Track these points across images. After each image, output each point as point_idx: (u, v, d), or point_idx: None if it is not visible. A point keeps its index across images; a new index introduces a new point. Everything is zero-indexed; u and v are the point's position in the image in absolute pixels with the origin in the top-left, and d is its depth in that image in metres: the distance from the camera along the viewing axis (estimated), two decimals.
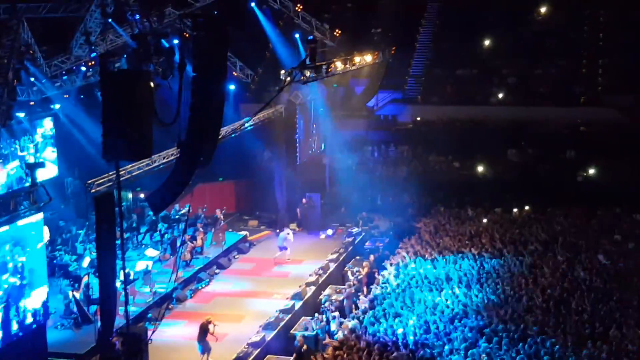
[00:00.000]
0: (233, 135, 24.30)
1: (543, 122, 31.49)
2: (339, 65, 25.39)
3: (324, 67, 23.79)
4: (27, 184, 17.51)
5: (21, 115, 24.01)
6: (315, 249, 25.68)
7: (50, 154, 26.08)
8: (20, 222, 15.42)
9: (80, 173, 26.81)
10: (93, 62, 25.64)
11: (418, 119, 33.72)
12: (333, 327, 18.82)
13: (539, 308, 18.48)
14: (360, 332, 17.71)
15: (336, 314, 19.32)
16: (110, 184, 20.42)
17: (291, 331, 18.56)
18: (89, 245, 22.73)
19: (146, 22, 22.99)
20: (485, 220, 26.65)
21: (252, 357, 17.19)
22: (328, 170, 29.47)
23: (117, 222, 13.36)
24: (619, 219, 26.22)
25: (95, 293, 18.85)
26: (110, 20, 24.26)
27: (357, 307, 19.99)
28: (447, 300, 18.97)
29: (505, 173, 30.35)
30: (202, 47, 11.86)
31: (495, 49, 35.20)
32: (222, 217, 26.51)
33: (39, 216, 16.06)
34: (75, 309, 18.93)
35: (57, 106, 26.58)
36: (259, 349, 17.49)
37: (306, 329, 18.48)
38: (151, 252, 23.31)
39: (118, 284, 15.73)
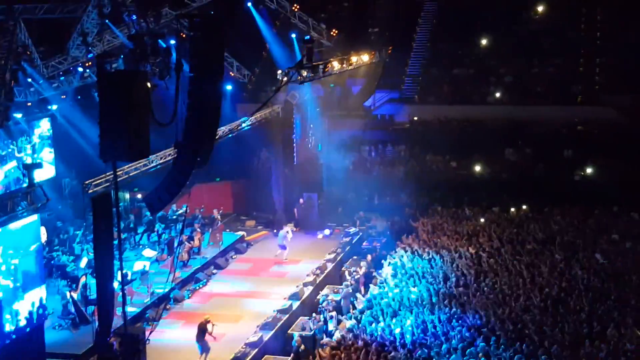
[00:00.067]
0: (230, 136, 24.30)
1: (540, 121, 31.49)
2: (335, 65, 25.41)
3: (320, 67, 23.79)
4: (25, 185, 17.51)
5: (18, 116, 23.98)
6: (313, 249, 25.68)
7: (47, 154, 26.06)
8: (12, 225, 15.37)
9: (78, 174, 26.78)
10: (90, 63, 25.62)
11: (415, 118, 33.72)
12: (330, 327, 18.84)
13: (536, 307, 18.50)
14: (358, 332, 17.72)
15: (334, 313, 19.33)
16: (107, 184, 20.40)
17: (289, 331, 18.56)
18: (87, 246, 22.72)
19: (143, 23, 22.97)
20: (482, 220, 26.68)
21: (249, 357, 17.18)
22: (325, 170, 29.46)
23: (115, 222, 13.36)
24: (616, 218, 26.25)
25: (92, 293, 18.81)
26: (107, 21, 24.24)
27: (354, 307, 20.00)
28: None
29: (503, 172, 30.37)
30: (199, 47, 11.87)
31: (492, 49, 35.21)
32: (219, 217, 26.51)
33: (33, 218, 16.05)
34: (72, 310, 18.91)
35: (54, 107, 26.55)
36: (256, 349, 17.49)
37: (304, 328, 18.48)
38: (149, 252, 23.30)
39: (115, 285, 15.72)
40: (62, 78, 26.18)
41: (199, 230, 24.68)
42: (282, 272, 23.61)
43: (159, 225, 25.21)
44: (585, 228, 25.17)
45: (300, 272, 23.18)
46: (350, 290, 20.68)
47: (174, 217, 25.80)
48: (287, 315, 19.37)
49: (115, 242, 13.87)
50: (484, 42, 35.49)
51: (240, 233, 26.98)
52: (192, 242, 23.85)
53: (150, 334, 17.31)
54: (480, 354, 15.95)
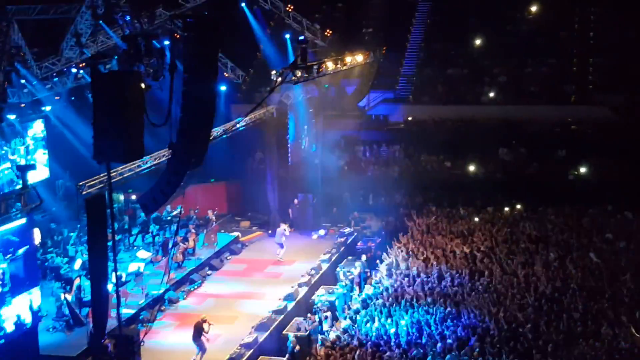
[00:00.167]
0: (225, 136, 24.26)
1: (534, 121, 31.55)
2: (330, 65, 25.40)
3: (315, 67, 23.79)
4: (19, 187, 17.44)
5: (12, 117, 23.90)
6: (308, 249, 25.68)
7: (41, 156, 25.99)
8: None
9: (72, 175, 26.73)
10: (84, 64, 25.57)
11: (409, 118, 33.74)
12: (325, 327, 18.84)
13: (531, 306, 18.54)
14: (352, 332, 17.72)
15: (328, 314, 19.33)
16: (101, 185, 20.33)
17: (284, 332, 18.56)
18: (81, 248, 22.67)
19: (137, 23, 22.95)
20: (476, 219, 26.72)
21: (244, 358, 17.18)
22: (320, 171, 29.46)
23: (109, 223, 13.33)
24: (610, 217, 26.31)
25: (87, 295, 18.81)
26: (100, 21, 24.19)
27: (349, 307, 20.00)
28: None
29: (497, 172, 30.41)
30: (193, 48, 11.84)
31: (485, 49, 35.25)
32: (214, 218, 26.49)
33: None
34: (67, 312, 18.88)
35: (48, 108, 26.49)
36: (251, 350, 17.49)
37: (299, 329, 18.49)
38: (143, 253, 23.26)
39: (110, 286, 15.69)
40: (55, 79, 26.12)
41: (193, 231, 24.65)
42: (277, 273, 23.60)
43: (154, 227, 25.17)
44: (579, 227, 25.22)
45: (295, 272, 23.18)
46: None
47: (169, 218, 25.76)
48: (282, 316, 19.37)
49: (110, 243, 13.85)
50: (477, 42, 35.54)
51: (235, 234, 26.97)
52: (186, 243, 23.83)
53: (144, 335, 17.30)
54: (475, 353, 15.98)
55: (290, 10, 30.23)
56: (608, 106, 31.04)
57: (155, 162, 22.05)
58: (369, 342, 16.90)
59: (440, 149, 31.42)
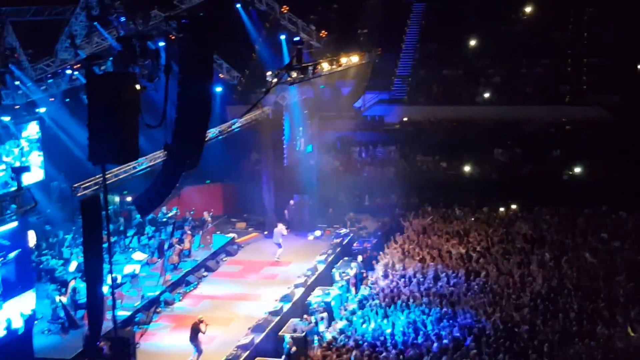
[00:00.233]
0: (220, 138, 24.23)
1: (529, 121, 31.65)
2: (325, 66, 25.39)
3: (310, 68, 23.79)
4: (13, 189, 17.38)
5: (6, 119, 23.79)
6: (304, 250, 25.67)
7: (36, 158, 25.87)
8: None
9: (67, 177, 26.65)
10: (79, 65, 25.49)
11: (405, 119, 33.79)
12: (322, 328, 18.83)
13: (526, 306, 18.57)
14: (349, 333, 17.72)
15: (324, 315, 19.32)
16: (96, 187, 20.29)
17: (280, 333, 18.53)
18: (76, 250, 22.61)
19: (132, 25, 22.89)
20: (472, 219, 26.76)
21: (241, 359, 17.14)
22: (315, 172, 29.45)
23: (104, 225, 13.29)
24: (605, 217, 26.40)
25: (82, 297, 18.73)
26: (95, 23, 24.11)
27: (346, 308, 20.00)
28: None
29: (492, 172, 30.49)
30: (188, 49, 11.83)
31: (480, 49, 35.34)
32: (209, 219, 26.44)
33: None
34: (62, 314, 18.82)
35: (42, 110, 26.36)
36: (248, 351, 17.46)
37: (295, 330, 18.46)
38: (139, 255, 23.21)
39: (105, 288, 15.64)
40: (50, 81, 26.01)
41: (189, 232, 24.62)
42: (273, 274, 23.59)
43: (149, 228, 25.13)
44: (575, 227, 25.30)
45: (291, 273, 23.16)
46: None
47: (164, 219, 25.71)
48: (279, 317, 19.34)
49: (105, 245, 13.80)
50: (472, 43, 35.63)
51: (231, 235, 26.94)
52: (182, 244, 23.79)
53: (140, 337, 17.29)
54: (471, 353, 15.99)
55: (285, 11, 30.20)
56: (602, 106, 31.14)
57: (151, 164, 22.01)
58: (365, 343, 16.91)
59: (435, 149, 31.49)
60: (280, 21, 30.24)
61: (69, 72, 25.79)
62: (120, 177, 21.53)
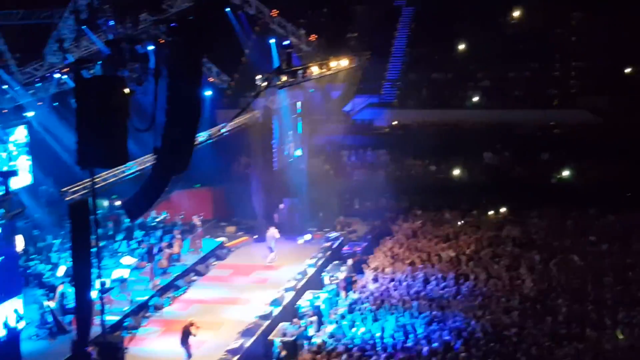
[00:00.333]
0: (210, 141, 24.18)
1: (518, 124, 31.81)
2: (314, 69, 25.43)
3: (299, 72, 23.81)
4: (1, 193, 17.27)
5: None
6: (294, 254, 25.62)
7: (24, 162, 25.76)
8: None
9: (55, 181, 26.49)
10: (67, 69, 25.38)
11: (394, 123, 33.85)
12: (311, 332, 18.81)
13: (515, 309, 18.63)
14: (338, 337, 17.71)
15: (314, 319, 19.30)
16: (85, 191, 20.13)
17: (270, 337, 18.49)
18: (64, 254, 22.46)
19: (120, 28, 22.83)
20: (461, 223, 26.82)
21: None
22: (305, 175, 29.44)
23: (93, 230, 13.25)
24: (593, 220, 26.54)
25: (70, 302, 18.63)
26: (84, 27, 24.04)
27: (335, 312, 19.98)
28: None
29: (481, 175, 30.59)
30: (177, 52, 11.83)
31: (470, 53, 35.48)
32: (199, 223, 26.36)
33: None
34: (50, 319, 18.68)
35: (30, 114, 26.25)
36: (237, 356, 17.42)
37: (285, 334, 18.43)
38: (127, 260, 23.07)
39: (94, 293, 15.58)
40: (38, 85, 25.89)
41: (178, 237, 24.52)
42: (263, 278, 23.54)
43: (138, 233, 25.01)
44: (563, 230, 25.41)
45: (281, 277, 23.12)
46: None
47: (154, 223, 25.59)
48: (269, 321, 19.30)
49: (94, 249, 13.76)
50: (462, 46, 35.77)
51: (221, 239, 26.86)
52: (171, 249, 23.70)
53: (129, 342, 17.20)
54: (461, 356, 16.02)
55: (275, 15, 30.22)
56: (590, 109, 31.34)
57: (140, 168, 21.87)
58: (355, 347, 16.90)
59: (425, 153, 31.55)
60: (269, 25, 30.26)
61: (57, 76, 25.68)
62: (109, 181, 21.36)
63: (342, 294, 21.45)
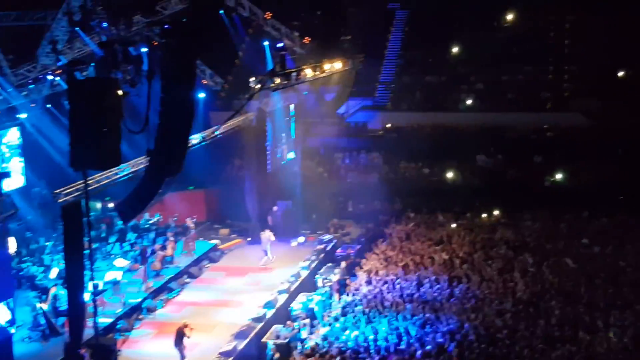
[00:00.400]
0: (203, 144, 24.15)
1: (511, 127, 31.92)
2: (308, 72, 25.44)
3: (293, 74, 23.82)
4: None
5: None
6: (287, 256, 25.60)
7: (17, 164, 25.68)
8: None
9: (48, 183, 26.41)
10: (60, 71, 25.32)
11: (388, 125, 33.92)
12: (304, 334, 18.79)
13: (508, 312, 18.66)
14: (332, 339, 17.70)
15: (307, 321, 19.29)
16: (78, 193, 20.06)
17: (263, 339, 18.47)
18: (57, 256, 22.39)
19: (114, 30, 22.76)
20: (455, 225, 26.87)
21: None
22: (299, 178, 29.44)
23: (85, 232, 13.22)
24: (586, 222, 26.63)
25: (63, 305, 18.56)
26: (77, 28, 23.98)
27: (329, 314, 19.97)
28: None
29: (475, 178, 30.67)
30: (171, 55, 11.83)
31: (463, 56, 35.61)
32: (193, 225, 26.33)
33: None
34: (43, 321, 18.61)
35: (23, 115, 26.18)
36: (231, 358, 17.40)
37: (278, 337, 18.41)
38: (120, 262, 23.04)
39: (87, 295, 15.52)
40: (31, 86, 25.83)
41: (172, 239, 24.49)
42: (256, 281, 23.51)
43: (131, 235, 24.95)
44: (556, 233, 25.48)
45: (275, 280, 23.10)
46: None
47: (147, 226, 25.52)
48: (262, 324, 19.29)
49: (86, 252, 13.72)
50: (455, 49, 35.88)
51: (214, 241, 26.82)
52: (165, 251, 23.65)
53: (122, 344, 17.14)
54: (454, 359, 16.03)
55: (268, 17, 30.24)
56: (583, 112, 31.47)
57: (133, 170, 21.82)
58: (349, 349, 16.90)
59: (418, 155, 31.62)
60: (263, 27, 30.27)
61: (50, 77, 25.63)
62: (102, 183, 21.29)
63: (336, 296, 21.44)
